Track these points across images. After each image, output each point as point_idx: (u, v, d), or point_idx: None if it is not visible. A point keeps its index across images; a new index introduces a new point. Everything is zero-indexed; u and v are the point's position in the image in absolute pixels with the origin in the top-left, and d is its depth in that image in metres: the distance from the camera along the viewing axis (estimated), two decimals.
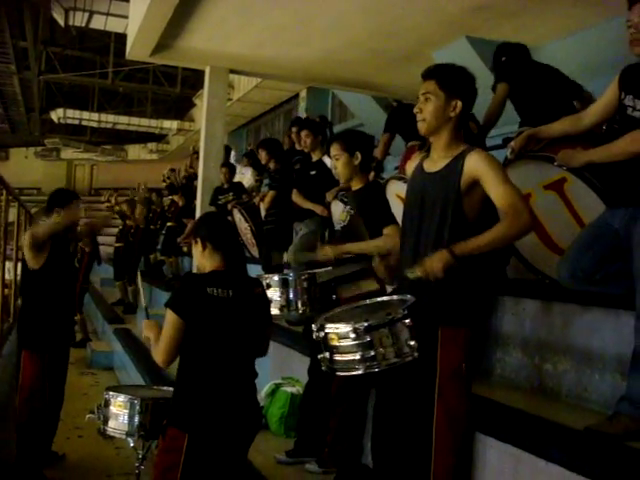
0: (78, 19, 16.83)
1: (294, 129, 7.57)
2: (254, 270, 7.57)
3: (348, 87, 10.68)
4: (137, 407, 3.58)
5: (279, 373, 5.20)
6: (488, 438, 3.02)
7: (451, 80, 3.02)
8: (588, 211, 3.39)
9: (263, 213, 7.56)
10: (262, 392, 4.88)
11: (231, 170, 9.22)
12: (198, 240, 3.29)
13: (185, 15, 8.05)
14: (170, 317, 3.12)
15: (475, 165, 2.91)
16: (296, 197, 6.27)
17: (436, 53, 8.50)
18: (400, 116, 6.19)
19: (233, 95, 17.70)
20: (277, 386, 4.88)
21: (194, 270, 3.39)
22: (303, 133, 7.39)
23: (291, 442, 4.33)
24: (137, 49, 9.25)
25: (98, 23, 16.82)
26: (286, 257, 6.51)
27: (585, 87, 4.85)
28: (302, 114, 15.01)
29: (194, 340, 3.14)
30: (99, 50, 22.25)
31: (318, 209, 5.92)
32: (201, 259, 3.32)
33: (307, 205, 6.11)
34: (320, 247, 3.84)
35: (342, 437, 3.69)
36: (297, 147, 7.46)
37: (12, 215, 9.43)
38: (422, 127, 3.08)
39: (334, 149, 3.85)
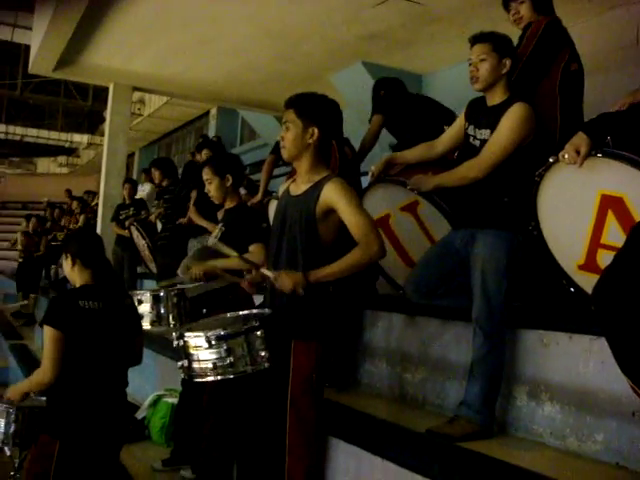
0: None
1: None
2: (152, 285, 7.69)
3: (252, 107, 10.91)
4: (12, 416, 3.65)
5: (162, 385, 5.34)
6: (337, 440, 3.27)
7: (308, 108, 3.19)
8: (438, 231, 3.68)
9: (160, 228, 7.69)
10: (145, 403, 5.03)
11: (133, 186, 9.29)
12: (69, 256, 3.45)
13: (87, 32, 8.14)
14: (49, 332, 3.24)
15: (330, 194, 3.08)
16: (192, 214, 6.44)
17: (334, 77, 8.83)
18: None
19: (144, 111, 17.72)
20: (159, 397, 5.03)
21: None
22: (204, 152, 7.58)
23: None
24: (39, 64, 9.26)
25: (4, 34, 16.61)
26: (179, 271, 6.64)
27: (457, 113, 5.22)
28: (212, 132, 15.15)
29: (67, 350, 3.28)
30: (8, 60, 21.86)
31: (210, 226, 6.08)
32: (71, 274, 3.48)
33: (201, 222, 6.28)
34: (186, 270, 4.01)
35: (215, 444, 3.85)
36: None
37: None
38: (284, 153, 3.27)
39: (206, 174, 4.11)
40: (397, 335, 4.07)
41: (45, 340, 3.28)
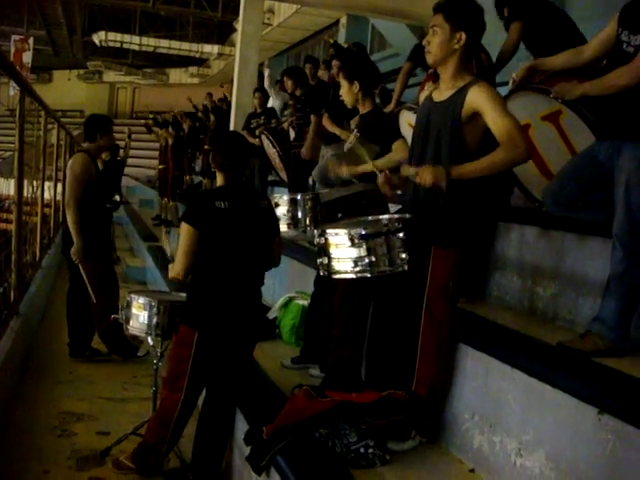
0: None
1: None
2: (282, 193, 7.85)
3: (383, 15, 10.65)
4: (155, 309, 3.92)
5: (294, 287, 5.52)
6: (466, 347, 3.29)
7: (456, 12, 3.15)
8: (581, 142, 3.52)
9: (292, 137, 7.77)
10: (276, 304, 5.23)
11: (264, 95, 9.38)
12: (210, 154, 3.64)
13: None
14: (185, 228, 3.48)
15: (476, 97, 3.07)
16: (325, 121, 6.45)
17: None
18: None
19: (273, 21, 17.68)
20: (290, 299, 5.20)
21: None
22: (334, 62, 7.51)
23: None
24: None
25: None
26: (311, 179, 6.74)
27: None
28: (342, 41, 14.97)
29: (205, 248, 3.48)
30: None
31: (344, 134, 6.08)
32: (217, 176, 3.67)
33: (334, 130, 6.28)
34: (336, 166, 4.12)
35: (343, 344, 3.96)
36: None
37: (54, 137, 9.76)
38: (429, 58, 3.26)
39: (340, 77, 4.23)
40: (530, 248, 4.01)
41: (180, 236, 3.50)
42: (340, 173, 4.07)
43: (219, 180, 3.63)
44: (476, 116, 3.09)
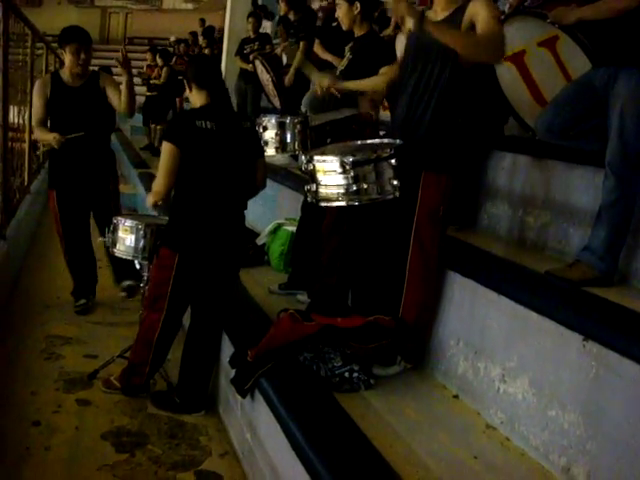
0: None
1: None
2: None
3: None
4: (141, 232, 3.89)
5: (283, 214, 5.48)
6: (454, 274, 3.29)
7: None
8: (577, 69, 3.43)
9: (284, 63, 7.64)
10: (265, 230, 5.19)
11: (258, 20, 9.17)
12: (186, 81, 3.55)
13: None
14: (166, 147, 3.42)
15: (475, 7, 3.03)
16: (317, 48, 6.32)
17: None
18: None
19: None
20: (279, 225, 5.15)
21: None
22: None
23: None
24: None
25: None
26: (302, 107, 6.63)
27: None
28: None
29: (187, 169, 3.44)
30: None
31: (336, 61, 5.96)
32: (191, 97, 3.62)
33: (326, 56, 6.15)
34: (319, 77, 4.04)
35: (331, 272, 3.94)
36: None
37: (43, 63, 9.48)
38: None
39: None
40: (522, 177, 3.95)
41: (162, 155, 3.45)
42: (323, 84, 3.98)
43: (199, 99, 3.56)
44: (472, 28, 3.04)
